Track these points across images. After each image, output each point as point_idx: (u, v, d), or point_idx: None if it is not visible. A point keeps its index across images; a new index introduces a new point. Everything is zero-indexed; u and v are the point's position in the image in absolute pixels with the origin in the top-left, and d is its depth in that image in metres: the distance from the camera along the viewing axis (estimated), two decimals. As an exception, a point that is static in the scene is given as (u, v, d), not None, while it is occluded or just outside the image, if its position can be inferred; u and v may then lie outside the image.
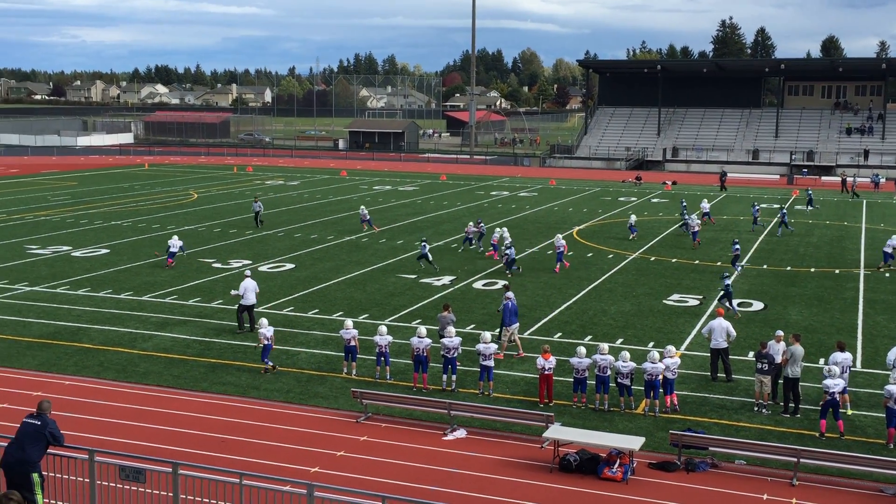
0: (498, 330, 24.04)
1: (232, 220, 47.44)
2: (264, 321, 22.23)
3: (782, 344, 20.04)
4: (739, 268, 34.61)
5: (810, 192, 56.82)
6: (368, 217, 44.08)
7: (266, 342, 21.76)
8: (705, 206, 48.79)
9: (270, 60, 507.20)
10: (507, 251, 33.79)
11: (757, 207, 47.10)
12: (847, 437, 17.91)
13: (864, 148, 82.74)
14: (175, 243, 35.12)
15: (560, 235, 36.20)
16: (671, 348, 19.96)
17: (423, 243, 34.52)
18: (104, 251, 37.50)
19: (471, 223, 39.98)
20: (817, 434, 18.16)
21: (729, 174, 78.38)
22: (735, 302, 28.35)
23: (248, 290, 25.63)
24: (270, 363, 21.95)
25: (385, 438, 17.88)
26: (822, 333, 25.84)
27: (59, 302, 28.79)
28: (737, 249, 34.63)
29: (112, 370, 21.99)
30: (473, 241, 38.73)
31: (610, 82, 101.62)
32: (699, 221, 42.60)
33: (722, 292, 28.17)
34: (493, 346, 20.64)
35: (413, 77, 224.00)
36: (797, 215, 52.28)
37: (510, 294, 23.90)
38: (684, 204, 49.14)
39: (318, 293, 30.40)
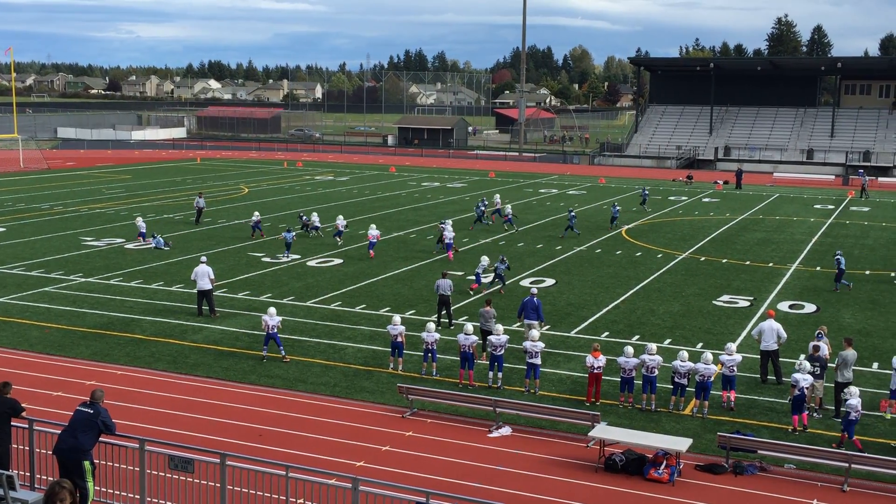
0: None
1: (282, 215, 47.85)
2: (272, 310, 22.62)
3: (824, 343, 20.11)
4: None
5: (646, 190, 54.06)
6: (258, 222, 40.64)
7: (269, 330, 22.12)
8: (497, 200, 47.39)
9: (321, 56, 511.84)
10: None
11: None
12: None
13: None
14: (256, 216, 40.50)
15: (374, 226, 37.81)
16: (731, 346, 19.90)
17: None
18: (152, 245, 38.04)
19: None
20: (789, 429, 18.21)
21: (783, 174, 77.46)
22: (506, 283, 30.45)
23: (199, 275, 26.34)
24: (282, 352, 22.35)
25: (430, 434, 17.92)
26: (876, 337, 25.33)
27: (112, 293, 29.32)
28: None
29: (163, 361, 22.34)
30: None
31: (662, 80, 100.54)
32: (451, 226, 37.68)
33: (499, 276, 30.11)
34: (541, 345, 20.57)
35: (463, 74, 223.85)
36: (851, 216, 51.32)
37: (534, 290, 24.76)
38: (485, 202, 47.13)
39: (366, 288, 30.55)
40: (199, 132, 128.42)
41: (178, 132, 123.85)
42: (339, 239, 38.99)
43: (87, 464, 13.08)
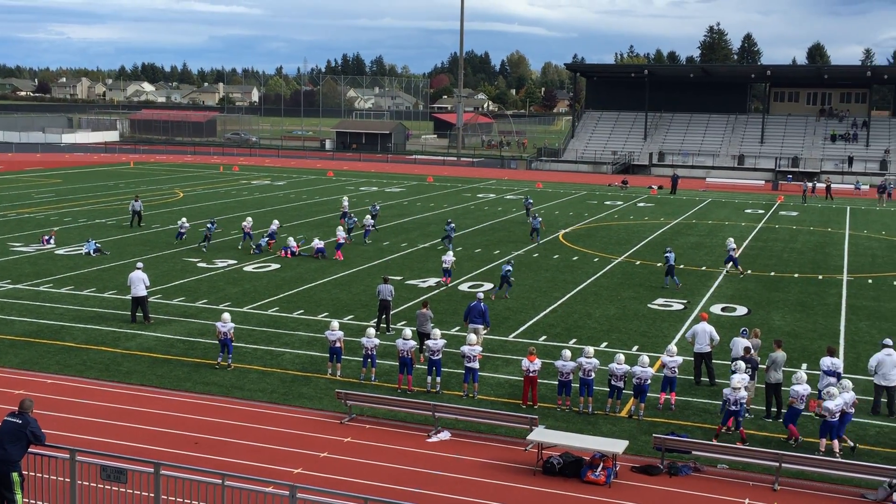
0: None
1: (218, 219, 47.22)
2: (226, 316, 22.24)
3: (751, 341, 20.70)
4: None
5: (530, 200, 51.65)
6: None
7: (221, 337, 21.81)
8: (345, 202, 47.69)
9: (258, 60, 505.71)
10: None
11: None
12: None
13: (848, 155, 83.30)
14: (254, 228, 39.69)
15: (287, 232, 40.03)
16: (673, 347, 20.34)
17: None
18: (85, 251, 37.22)
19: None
20: (723, 429, 18.38)
21: (715, 179, 79.09)
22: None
23: (134, 281, 25.99)
24: (229, 361, 22.01)
25: (369, 440, 17.85)
26: (804, 339, 25.98)
27: (41, 300, 28.62)
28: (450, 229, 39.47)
29: (95, 369, 21.87)
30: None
31: (597, 86, 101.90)
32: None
33: (505, 279, 30.37)
34: (478, 349, 20.64)
35: (401, 78, 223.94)
36: (781, 220, 52.61)
37: (480, 295, 24.51)
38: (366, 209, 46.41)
39: (304, 294, 30.33)
40: (132, 135, 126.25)
41: (111, 135, 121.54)
42: (250, 243, 38.60)
43: (15, 475, 12.74)
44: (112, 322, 26.14)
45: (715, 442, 17.50)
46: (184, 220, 40.24)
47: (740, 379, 18.60)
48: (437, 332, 21.30)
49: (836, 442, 17.44)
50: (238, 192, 61.56)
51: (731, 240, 37.27)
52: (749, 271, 36.14)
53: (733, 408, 17.91)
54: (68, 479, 13.13)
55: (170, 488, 12.89)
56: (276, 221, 40.25)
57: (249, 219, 40.35)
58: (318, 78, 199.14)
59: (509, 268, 30.77)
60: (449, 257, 32.53)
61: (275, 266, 34.97)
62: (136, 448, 16.76)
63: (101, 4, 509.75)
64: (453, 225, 40.46)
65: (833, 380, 19.46)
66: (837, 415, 17.40)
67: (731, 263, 35.40)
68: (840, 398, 17.54)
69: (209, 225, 39.12)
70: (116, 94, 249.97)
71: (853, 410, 17.96)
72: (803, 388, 18.00)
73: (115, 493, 13.26)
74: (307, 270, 34.18)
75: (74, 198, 55.56)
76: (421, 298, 29.30)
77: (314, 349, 23.75)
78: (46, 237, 38.81)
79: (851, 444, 17.81)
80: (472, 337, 20.99)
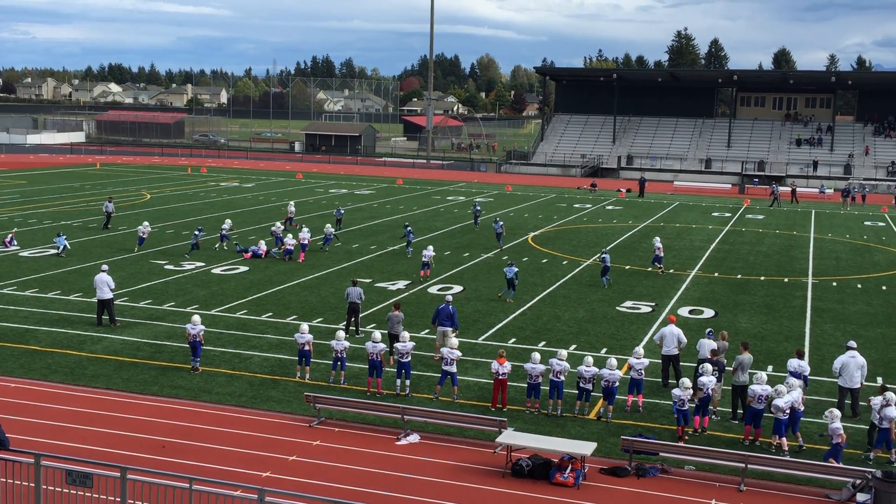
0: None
1: (186, 221, 46.91)
2: (196, 318, 22.09)
3: (719, 343, 21.07)
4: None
5: (478, 207, 49.77)
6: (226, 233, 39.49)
7: (190, 339, 21.71)
8: (291, 207, 47.23)
9: (226, 61, 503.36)
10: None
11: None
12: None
13: (813, 159, 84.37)
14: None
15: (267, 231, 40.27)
16: (639, 349, 20.50)
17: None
18: (53, 251, 36.83)
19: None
20: (690, 430, 18.61)
21: (683, 183, 79.79)
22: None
23: (99, 284, 25.82)
24: (196, 364, 21.86)
25: (338, 443, 17.80)
26: (770, 341, 26.26)
27: (5, 303, 28.24)
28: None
29: (60, 373, 21.62)
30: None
31: (566, 90, 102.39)
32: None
33: (510, 283, 30.48)
34: (458, 353, 20.64)
35: (370, 81, 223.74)
36: (749, 224, 53.14)
37: (449, 297, 24.53)
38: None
39: (272, 296, 30.18)
40: (98, 137, 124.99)
41: (77, 136, 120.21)
42: (224, 245, 38.69)
43: (-22, 481, 12.54)
44: (77, 325, 25.85)
45: (682, 444, 17.65)
46: (146, 224, 39.37)
47: (707, 381, 18.80)
48: (407, 334, 21.28)
49: (784, 440, 17.71)
50: (206, 193, 61.13)
51: (658, 239, 37.93)
52: (716, 274, 36.50)
53: (684, 407, 18.09)
54: (33, 484, 12.96)
55: (136, 493, 12.77)
56: (228, 221, 40.78)
57: (228, 221, 40.61)
58: (287, 80, 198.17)
59: (514, 268, 30.75)
60: (429, 251, 33.67)
61: (243, 269, 34.77)
62: (102, 452, 16.59)
63: (67, 4, 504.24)
64: (410, 228, 39.95)
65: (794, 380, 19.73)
66: (787, 411, 17.68)
67: (656, 262, 36.40)
68: (788, 396, 17.82)
69: (196, 232, 38.26)
70: (83, 95, 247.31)
71: (803, 407, 18.27)
72: (762, 388, 18.22)
73: (81, 498, 13.11)
74: (276, 273, 34.01)
75: (39, 199, 54.88)
76: (392, 300, 29.30)
77: (283, 352, 23.64)
78: (8, 239, 38.30)
79: (800, 443, 18.07)
80: (454, 341, 20.97)
